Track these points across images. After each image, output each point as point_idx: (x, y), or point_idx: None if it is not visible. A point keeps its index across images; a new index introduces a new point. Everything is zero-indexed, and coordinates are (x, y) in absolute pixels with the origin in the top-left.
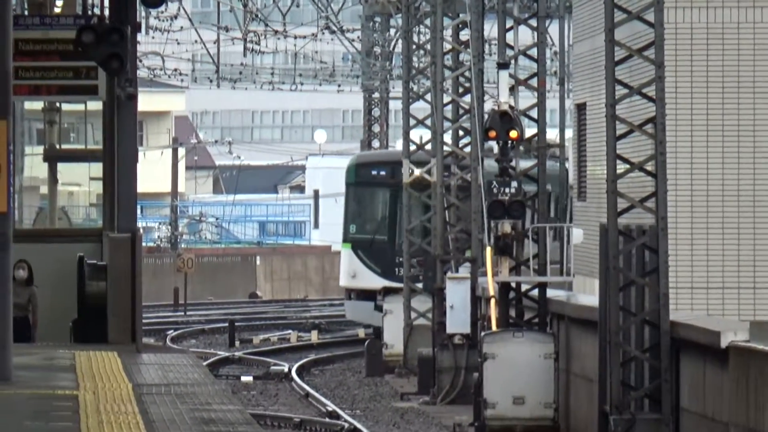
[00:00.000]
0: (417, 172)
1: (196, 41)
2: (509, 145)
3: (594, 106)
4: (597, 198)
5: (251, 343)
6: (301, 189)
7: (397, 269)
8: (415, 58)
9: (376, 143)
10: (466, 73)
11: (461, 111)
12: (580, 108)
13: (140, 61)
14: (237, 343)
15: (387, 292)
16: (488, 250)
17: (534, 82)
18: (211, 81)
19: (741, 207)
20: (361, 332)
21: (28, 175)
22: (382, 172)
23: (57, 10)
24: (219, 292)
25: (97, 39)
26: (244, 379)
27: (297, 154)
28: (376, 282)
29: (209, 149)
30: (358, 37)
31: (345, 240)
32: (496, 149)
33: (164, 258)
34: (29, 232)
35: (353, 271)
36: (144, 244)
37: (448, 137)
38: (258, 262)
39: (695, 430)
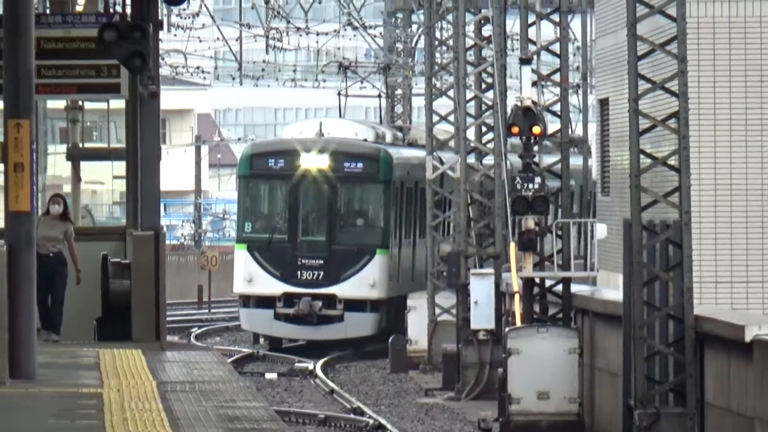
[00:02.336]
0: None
1: (218, 39)
2: (532, 140)
3: (617, 101)
4: (620, 193)
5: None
6: None
7: (299, 272)
8: (437, 54)
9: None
10: (489, 69)
11: (484, 107)
12: (603, 103)
13: (162, 58)
14: (261, 340)
15: (288, 298)
16: (512, 246)
17: (557, 77)
18: (233, 78)
19: (765, 200)
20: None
21: (51, 174)
22: (281, 162)
23: (79, 8)
24: None
25: (119, 37)
26: (268, 376)
27: None
28: (275, 287)
29: (232, 146)
30: (381, 33)
31: (239, 240)
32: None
33: (188, 256)
34: None
35: (249, 275)
36: (167, 241)
37: (471, 133)
38: None
39: (720, 425)
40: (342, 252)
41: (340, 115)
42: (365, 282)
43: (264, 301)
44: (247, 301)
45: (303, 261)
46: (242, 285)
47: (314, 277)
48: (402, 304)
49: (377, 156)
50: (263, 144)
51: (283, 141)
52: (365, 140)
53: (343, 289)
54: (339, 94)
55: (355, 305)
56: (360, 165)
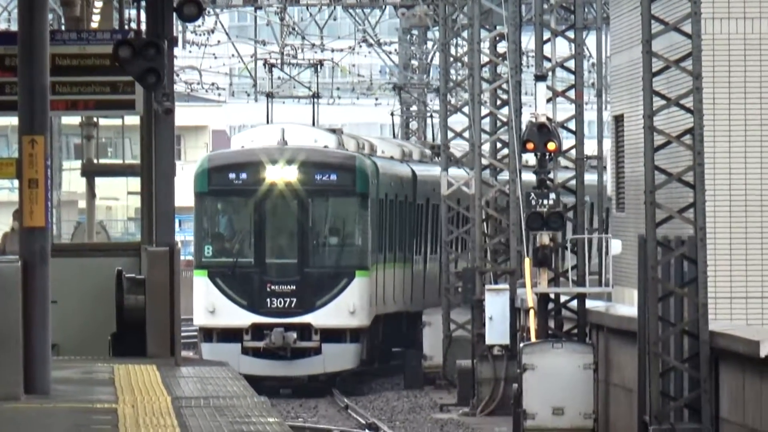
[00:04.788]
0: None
1: (233, 55)
2: (547, 157)
3: (632, 117)
4: (635, 209)
5: None
6: None
7: (268, 300)
8: (452, 71)
9: None
10: (504, 86)
11: (499, 123)
12: (618, 119)
13: (177, 75)
14: None
15: (257, 329)
16: (527, 262)
17: (571, 93)
18: (248, 95)
19: None
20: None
21: (66, 190)
22: (243, 176)
23: (94, 25)
24: None
25: (133, 54)
26: (283, 391)
27: None
28: (242, 318)
29: None
30: (396, 50)
31: (199, 266)
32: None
33: None
34: (67, 247)
35: (212, 306)
36: (182, 257)
37: (485, 149)
38: None
39: None
40: (316, 276)
41: (268, 122)
42: (344, 309)
43: (229, 334)
44: (209, 334)
45: (272, 287)
46: (204, 316)
47: (286, 305)
48: (383, 331)
49: (353, 165)
50: (222, 156)
51: (245, 152)
52: (326, 147)
53: (319, 318)
54: (268, 95)
55: (333, 335)
56: (333, 176)
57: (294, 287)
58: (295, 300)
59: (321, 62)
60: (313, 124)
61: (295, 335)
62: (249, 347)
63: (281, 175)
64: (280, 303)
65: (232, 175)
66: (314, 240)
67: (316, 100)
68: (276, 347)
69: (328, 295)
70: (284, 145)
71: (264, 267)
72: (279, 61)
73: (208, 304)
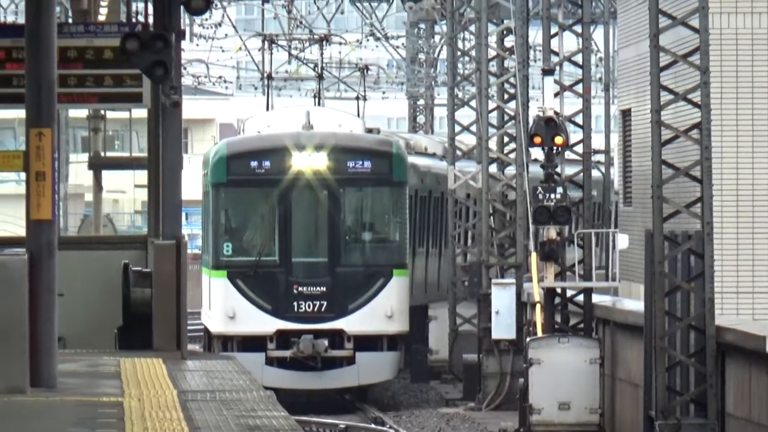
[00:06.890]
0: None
1: (240, 48)
2: (554, 151)
3: (639, 112)
4: (642, 203)
5: None
6: None
7: (295, 304)
8: (459, 65)
9: None
10: (511, 80)
11: (506, 117)
12: (626, 114)
13: (185, 68)
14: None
15: (283, 337)
16: (533, 256)
17: (579, 88)
18: (255, 88)
19: None
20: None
21: (73, 183)
22: (266, 164)
23: (101, 17)
24: None
25: (141, 46)
26: None
27: None
28: (265, 324)
29: None
30: (403, 44)
31: (217, 266)
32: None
33: None
34: (74, 240)
35: (232, 311)
36: (189, 250)
37: (493, 143)
38: None
39: None
40: (349, 276)
41: (268, 108)
42: (380, 312)
43: (252, 343)
44: (228, 342)
45: (300, 289)
46: (222, 323)
47: (315, 309)
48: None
49: (389, 152)
50: (243, 142)
51: (268, 137)
52: (351, 132)
53: (352, 323)
54: (267, 77)
55: (368, 343)
56: (368, 164)
57: (324, 289)
58: (325, 303)
59: (326, 36)
60: (317, 105)
61: (325, 343)
62: (274, 357)
63: (309, 162)
64: (309, 307)
65: (254, 163)
66: (346, 236)
67: (321, 80)
68: (304, 356)
69: (362, 298)
70: (310, 129)
71: (290, 266)
72: (278, 38)
73: (227, 308)
